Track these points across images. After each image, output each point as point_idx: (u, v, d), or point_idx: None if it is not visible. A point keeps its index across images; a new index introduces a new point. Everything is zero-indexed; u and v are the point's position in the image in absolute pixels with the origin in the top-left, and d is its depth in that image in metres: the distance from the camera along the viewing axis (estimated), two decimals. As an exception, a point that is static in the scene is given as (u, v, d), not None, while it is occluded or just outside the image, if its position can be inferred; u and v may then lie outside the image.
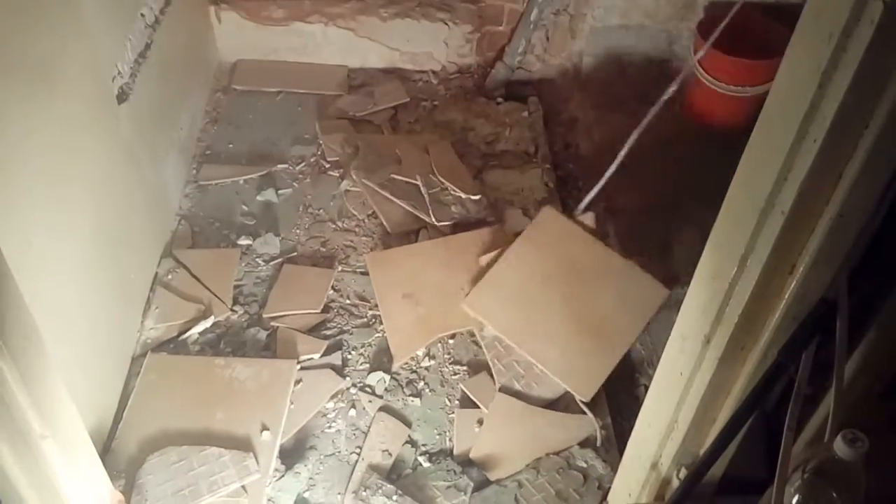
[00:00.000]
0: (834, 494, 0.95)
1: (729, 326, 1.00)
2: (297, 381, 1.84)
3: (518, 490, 1.66)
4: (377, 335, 1.98)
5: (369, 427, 1.78)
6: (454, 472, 1.69)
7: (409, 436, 1.77)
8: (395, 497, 1.62)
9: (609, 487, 1.60)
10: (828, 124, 0.77)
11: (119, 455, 1.67)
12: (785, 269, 0.91)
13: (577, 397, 1.81)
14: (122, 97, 1.86)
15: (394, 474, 1.70)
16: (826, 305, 0.92)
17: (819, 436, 1.05)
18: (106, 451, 1.68)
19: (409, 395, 1.86)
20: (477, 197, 2.28)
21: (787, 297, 0.93)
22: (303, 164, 2.44)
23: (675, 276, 2.07)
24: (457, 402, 1.84)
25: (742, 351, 1.02)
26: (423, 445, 1.76)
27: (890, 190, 0.83)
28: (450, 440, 1.77)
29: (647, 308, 1.99)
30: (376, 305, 2.03)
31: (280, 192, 2.35)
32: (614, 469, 1.63)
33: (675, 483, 1.20)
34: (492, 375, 1.87)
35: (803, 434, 1.13)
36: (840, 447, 0.91)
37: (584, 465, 1.71)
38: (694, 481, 1.07)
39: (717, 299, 1.01)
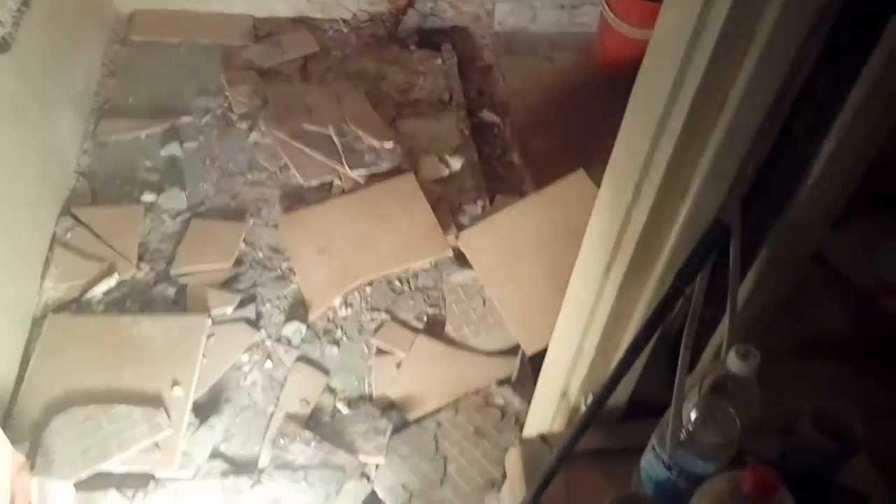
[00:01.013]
0: (731, 410, 0.99)
1: (627, 254, 1.02)
2: (210, 336, 1.80)
3: (437, 429, 1.68)
4: (292, 286, 1.95)
5: (286, 378, 1.76)
6: (373, 416, 1.69)
7: (327, 384, 1.76)
8: (312, 443, 1.62)
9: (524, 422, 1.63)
10: (711, 47, 0.78)
11: (21, 420, 1.60)
12: (677, 193, 0.93)
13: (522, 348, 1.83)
14: (3, 47, 1.74)
15: (312, 422, 1.69)
16: (719, 227, 0.94)
17: (717, 357, 1.09)
18: (7, 416, 1.61)
19: (327, 344, 1.84)
20: (391, 145, 2.25)
21: (680, 220, 0.95)
22: (208, 116, 2.35)
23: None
24: (375, 348, 1.84)
25: (641, 276, 1.05)
26: (342, 392, 1.76)
27: (776, 111, 0.85)
28: (368, 386, 1.77)
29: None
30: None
31: (185, 145, 2.26)
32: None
33: (583, 410, 1.24)
34: (406, 324, 1.88)
35: (704, 356, 1.17)
36: (733, 362, 0.95)
37: (502, 402, 1.74)
38: (599, 405, 1.09)
39: (614, 228, 1.02)
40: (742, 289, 1.06)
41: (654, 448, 1.06)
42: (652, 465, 1.07)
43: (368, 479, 1.60)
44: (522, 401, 1.74)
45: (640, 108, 0.93)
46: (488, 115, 2.54)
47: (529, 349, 1.81)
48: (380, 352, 1.83)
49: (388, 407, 1.73)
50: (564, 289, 1.86)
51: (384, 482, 1.60)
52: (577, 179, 2.16)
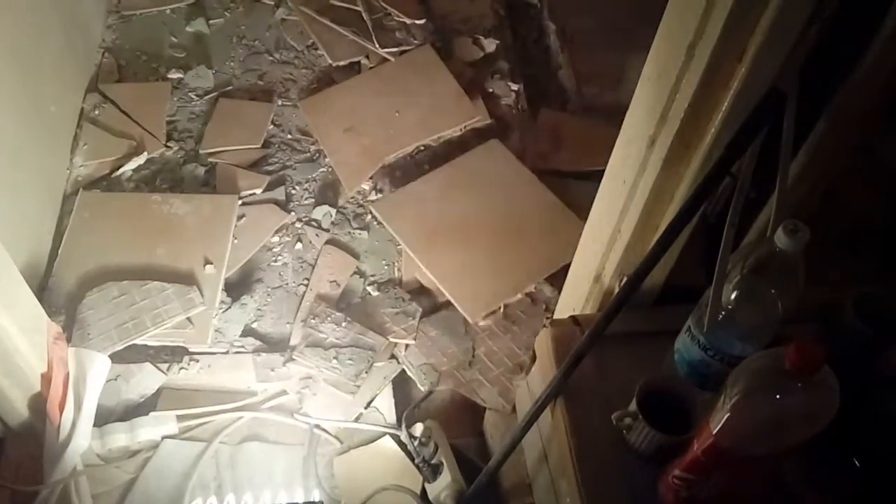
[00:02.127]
0: (773, 290, 0.95)
1: (675, 123, 0.96)
2: (240, 217, 1.79)
3: (466, 314, 1.68)
4: (322, 170, 1.92)
5: (316, 259, 1.76)
6: (402, 299, 1.69)
7: (356, 267, 1.75)
8: (343, 324, 1.62)
9: (555, 308, 1.62)
10: None
11: (57, 292, 1.63)
12: (734, 56, 0.86)
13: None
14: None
15: (342, 303, 1.69)
16: (776, 95, 0.88)
17: (762, 237, 1.04)
18: (42, 288, 1.63)
19: (357, 229, 1.82)
20: (422, 21, 2.16)
21: (735, 86, 0.88)
22: (234, -10, 2.26)
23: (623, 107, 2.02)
24: (405, 232, 1.82)
25: (687, 150, 0.99)
26: (372, 276, 1.75)
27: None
28: (398, 271, 1.76)
29: (565, 256, 1.87)
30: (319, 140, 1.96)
31: (211, 22, 2.19)
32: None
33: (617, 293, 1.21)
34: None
35: (745, 240, 1.13)
36: (780, 238, 0.89)
37: (533, 290, 1.72)
38: (634, 286, 1.06)
39: (662, 96, 0.96)
40: (791, 168, 1.00)
41: (690, 329, 1.03)
42: (687, 346, 1.05)
43: (398, 360, 1.62)
44: (553, 289, 1.72)
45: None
46: (525, -5, 2.41)
47: (473, 317, 1.66)
48: (410, 236, 1.81)
49: (418, 291, 1.73)
50: (497, 254, 1.75)
51: (413, 362, 1.61)
52: (494, 148, 1.95)
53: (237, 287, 1.71)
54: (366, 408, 1.55)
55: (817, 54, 0.89)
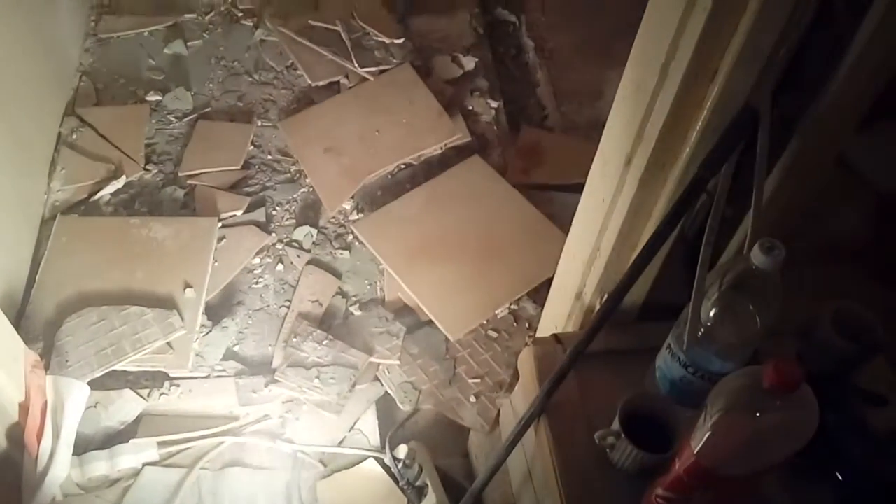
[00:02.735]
0: (751, 307, 0.96)
1: (649, 144, 0.96)
2: (220, 239, 1.78)
3: (449, 333, 1.67)
4: (302, 190, 1.92)
5: (298, 280, 1.75)
6: (386, 318, 1.68)
7: (339, 287, 1.75)
8: (325, 342, 1.62)
9: (538, 326, 1.62)
10: None
11: (35, 319, 1.60)
12: (706, 75, 0.87)
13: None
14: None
15: (325, 324, 1.68)
16: (749, 112, 0.88)
17: (739, 254, 1.04)
18: (20, 316, 1.61)
19: (338, 249, 1.82)
20: (401, 40, 2.17)
21: (708, 105, 0.89)
22: (212, 13, 2.26)
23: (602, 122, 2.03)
24: (386, 252, 1.81)
25: (663, 169, 0.99)
26: (354, 296, 1.75)
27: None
28: (381, 290, 1.75)
29: (547, 270, 1.88)
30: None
31: (189, 44, 2.18)
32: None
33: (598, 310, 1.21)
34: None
35: (723, 257, 1.13)
36: (756, 256, 0.90)
37: (516, 308, 1.72)
38: (614, 304, 1.07)
39: (637, 115, 0.97)
40: (767, 185, 1.01)
41: (670, 346, 1.03)
42: (668, 363, 1.05)
43: (381, 382, 1.61)
44: (536, 306, 1.72)
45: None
46: (503, 13, 2.43)
47: (454, 335, 1.66)
48: (392, 255, 1.81)
49: (402, 310, 1.72)
50: (478, 271, 1.75)
51: (394, 380, 1.60)
52: (475, 164, 1.95)
53: (218, 310, 1.69)
54: (349, 431, 1.54)
55: (790, 73, 0.90)
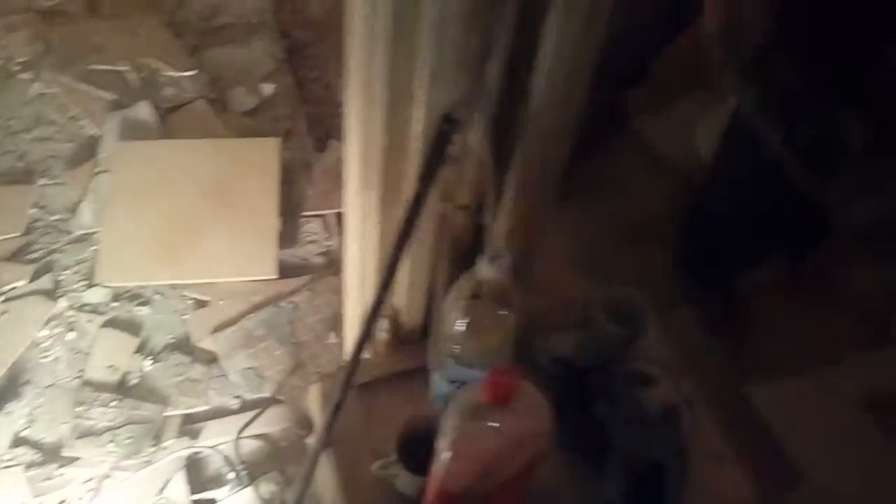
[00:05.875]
0: (498, 313, 0.95)
1: (377, 168, 0.94)
2: (1, 315, 1.63)
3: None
4: (94, 248, 1.79)
5: (92, 347, 1.62)
6: (184, 364, 1.59)
7: (138, 345, 1.63)
8: (112, 403, 1.51)
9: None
10: None
11: None
12: (405, 98, 0.85)
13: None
14: None
15: (123, 388, 1.57)
16: (447, 122, 0.87)
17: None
18: None
19: (137, 305, 1.70)
20: (193, 72, 2.08)
21: (414, 126, 0.87)
22: (-17, 71, 2.09)
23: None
24: (190, 301, 1.72)
25: (398, 192, 0.97)
26: (151, 350, 1.63)
27: None
28: (186, 336, 1.65)
29: (271, 165, 1.91)
30: (89, 216, 1.83)
31: (-42, 105, 2.01)
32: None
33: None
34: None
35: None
36: (483, 269, 0.89)
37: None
38: (366, 330, 1.02)
39: (360, 141, 0.94)
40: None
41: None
42: (437, 381, 1.03)
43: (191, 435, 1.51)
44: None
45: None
46: (303, 35, 2.38)
47: (270, 273, 1.71)
48: (198, 304, 1.71)
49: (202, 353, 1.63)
50: (224, 218, 1.74)
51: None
52: (125, 149, 1.94)
53: (2, 395, 1.54)
54: (159, 495, 1.43)
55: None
